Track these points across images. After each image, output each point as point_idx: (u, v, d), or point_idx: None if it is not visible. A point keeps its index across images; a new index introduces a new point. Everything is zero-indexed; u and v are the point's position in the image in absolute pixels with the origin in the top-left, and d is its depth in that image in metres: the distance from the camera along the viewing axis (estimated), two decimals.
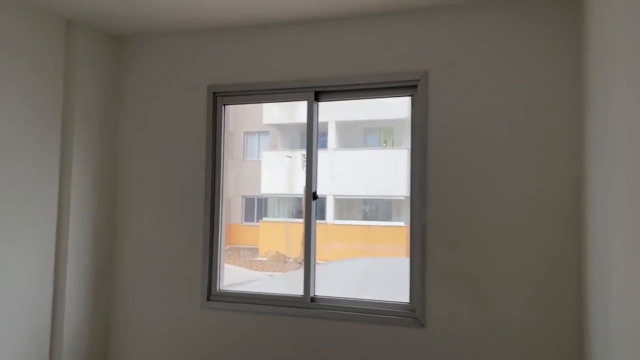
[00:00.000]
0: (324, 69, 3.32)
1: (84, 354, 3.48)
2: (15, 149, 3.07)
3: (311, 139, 3.38)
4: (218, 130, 3.57)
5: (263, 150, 13.97)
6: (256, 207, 14.60)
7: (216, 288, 3.53)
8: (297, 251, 11.42)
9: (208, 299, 3.49)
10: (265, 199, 14.12)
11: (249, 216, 14.71)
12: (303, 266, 3.39)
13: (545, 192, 2.89)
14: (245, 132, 14.50)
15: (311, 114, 3.38)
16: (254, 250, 13.37)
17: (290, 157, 12.79)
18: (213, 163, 3.54)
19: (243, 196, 14.67)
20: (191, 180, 3.56)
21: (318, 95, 3.38)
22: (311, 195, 3.34)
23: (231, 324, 3.42)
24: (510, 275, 2.92)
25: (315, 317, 3.25)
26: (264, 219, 13.76)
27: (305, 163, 3.42)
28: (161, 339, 3.56)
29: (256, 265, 12.75)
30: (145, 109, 3.71)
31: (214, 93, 3.54)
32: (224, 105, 3.59)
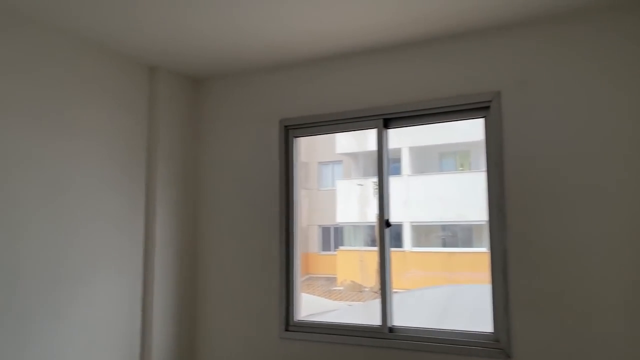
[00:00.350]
0: (393, 96, 3.32)
1: None
2: (107, 188, 3.30)
3: (381, 166, 3.36)
4: (290, 162, 3.66)
5: (337, 179, 14.10)
6: (332, 236, 14.64)
7: (294, 318, 3.55)
8: (373, 280, 11.27)
9: (286, 330, 3.52)
10: (341, 228, 14.15)
11: (326, 245, 14.78)
12: (380, 295, 3.34)
13: (637, 213, 2.68)
14: (318, 162, 14.72)
15: (381, 141, 3.37)
16: (332, 280, 13.36)
17: (362, 185, 12.78)
18: (286, 194, 3.62)
19: (319, 225, 14.79)
20: (266, 212, 3.65)
21: (387, 122, 3.38)
22: (384, 223, 3.31)
23: (310, 354, 3.41)
24: (603, 302, 2.71)
25: (394, 348, 3.17)
26: (341, 247, 13.77)
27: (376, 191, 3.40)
28: None
29: (335, 294, 12.71)
30: (221, 145, 3.88)
31: (285, 126, 3.65)
32: (295, 137, 3.68)
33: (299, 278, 3.68)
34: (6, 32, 2.76)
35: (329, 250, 14.45)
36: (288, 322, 3.54)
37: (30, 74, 2.87)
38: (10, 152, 2.75)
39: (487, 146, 3.11)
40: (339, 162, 14.29)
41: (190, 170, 3.90)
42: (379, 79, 3.37)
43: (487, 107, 3.07)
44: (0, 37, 2.73)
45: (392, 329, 3.25)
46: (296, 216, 3.65)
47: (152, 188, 3.59)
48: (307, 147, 14.16)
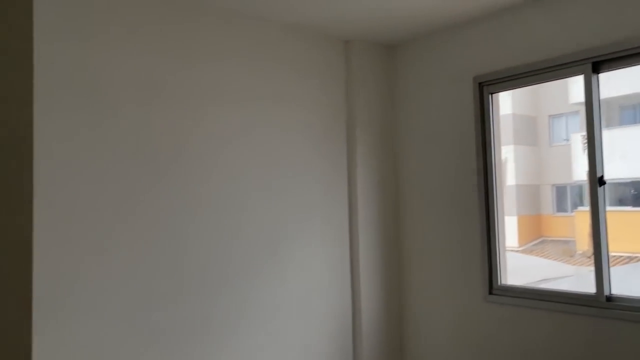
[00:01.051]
0: (603, 35, 2.88)
1: (382, 340, 3.86)
2: (312, 157, 3.66)
3: (591, 117, 2.98)
4: (487, 120, 3.49)
5: (572, 132, 12.55)
6: (569, 196, 13.22)
7: (497, 282, 3.44)
8: (622, 243, 9.90)
9: (490, 293, 3.44)
10: (580, 187, 12.64)
11: (561, 206, 13.44)
12: (594, 261, 3.02)
13: None
14: (549, 116, 13.31)
15: (589, 89, 2.98)
16: (570, 243, 12.15)
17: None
18: (484, 154, 3.48)
19: (553, 185, 13.48)
20: (462, 173, 3.57)
21: (597, 66, 2.95)
22: (596, 180, 2.94)
23: (514, 319, 3.29)
24: None
25: (610, 318, 2.84)
26: (579, 208, 12.33)
27: (590, 144, 3.03)
28: (448, 330, 3.67)
29: (574, 260, 11.61)
30: (415, 108, 3.91)
31: (479, 84, 3.48)
32: (491, 94, 3.49)
33: (503, 240, 3.53)
34: (220, 27, 3.25)
35: (566, 211, 13.09)
36: (492, 285, 3.46)
37: (240, 62, 3.32)
38: (231, 129, 3.27)
39: None
40: (575, 112, 12.70)
41: (388, 136, 4.03)
42: (582, 18, 2.96)
43: None
44: (216, 32, 3.23)
45: (609, 298, 2.91)
46: (496, 176, 3.48)
47: (352, 157, 3.83)
48: (533, 100, 12.94)
